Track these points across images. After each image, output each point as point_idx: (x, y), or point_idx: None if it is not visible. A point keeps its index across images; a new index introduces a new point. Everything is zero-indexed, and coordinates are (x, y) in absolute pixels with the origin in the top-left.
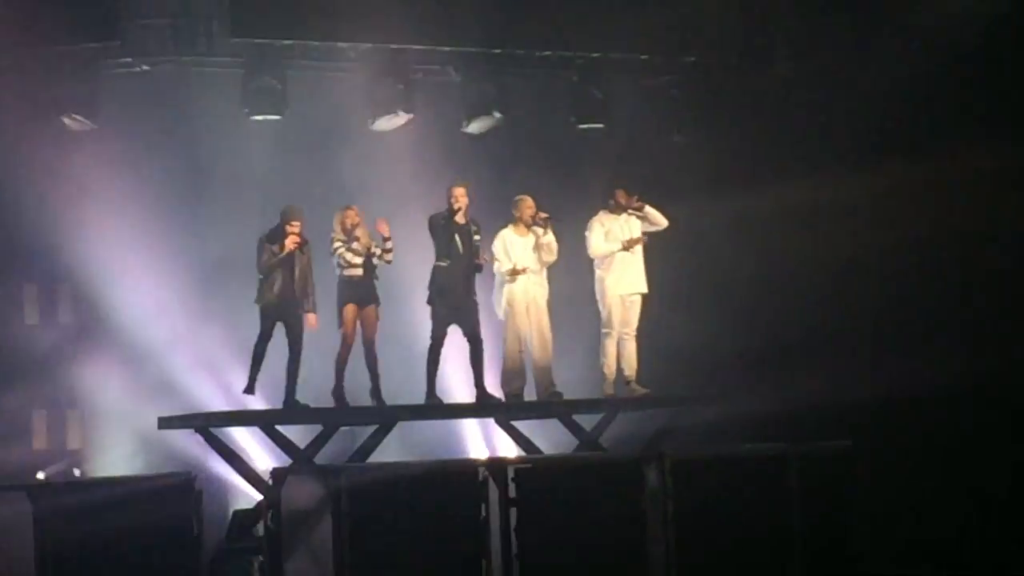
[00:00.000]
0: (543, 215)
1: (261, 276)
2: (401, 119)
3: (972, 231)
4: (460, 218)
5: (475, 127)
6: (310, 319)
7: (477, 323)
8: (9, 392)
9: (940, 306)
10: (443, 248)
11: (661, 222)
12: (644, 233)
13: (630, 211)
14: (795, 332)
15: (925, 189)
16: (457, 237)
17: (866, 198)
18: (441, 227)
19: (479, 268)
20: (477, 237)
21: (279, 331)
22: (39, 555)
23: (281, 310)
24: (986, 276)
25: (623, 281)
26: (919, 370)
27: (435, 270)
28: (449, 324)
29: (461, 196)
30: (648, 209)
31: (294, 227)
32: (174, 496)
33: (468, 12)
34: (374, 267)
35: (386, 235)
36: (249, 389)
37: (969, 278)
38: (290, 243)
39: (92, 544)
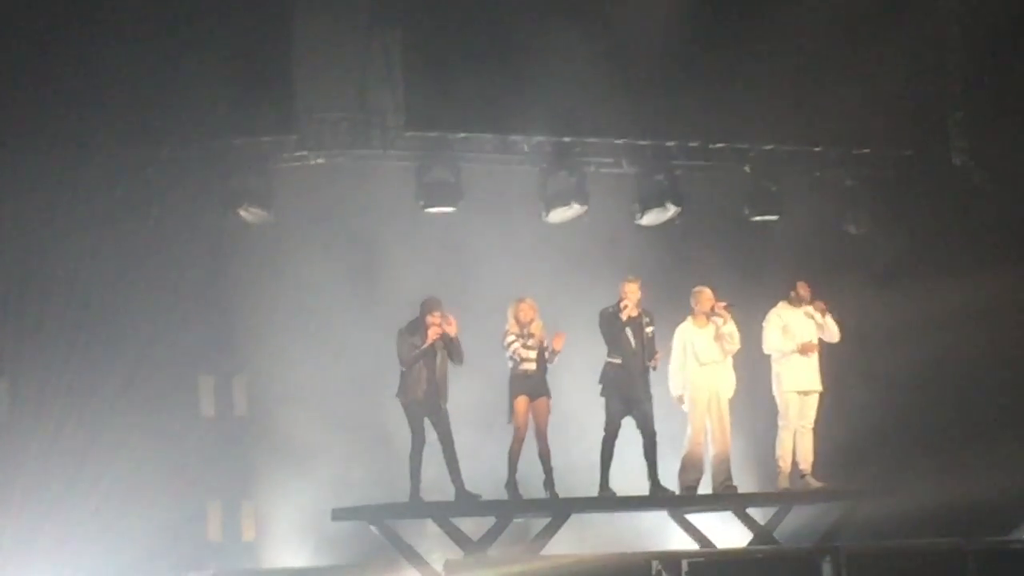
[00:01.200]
0: (722, 304)
1: (403, 369)
2: (575, 211)
3: None
4: (626, 314)
5: (649, 219)
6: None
7: (651, 416)
8: (185, 483)
9: None
10: (613, 344)
11: (834, 336)
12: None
13: (809, 312)
14: (972, 426)
15: None
16: (628, 332)
17: None
18: (609, 323)
19: (653, 367)
20: (650, 329)
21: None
22: None
23: (426, 405)
24: None
25: (799, 378)
26: None
27: (606, 366)
28: (623, 416)
29: (630, 292)
30: (828, 319)
31: (435, 318)
32: None
33: (640, 105)
34: (546, 360)
35: (557, 349)
36: (414, 498)
37: None
38: (433, 334)
39: None
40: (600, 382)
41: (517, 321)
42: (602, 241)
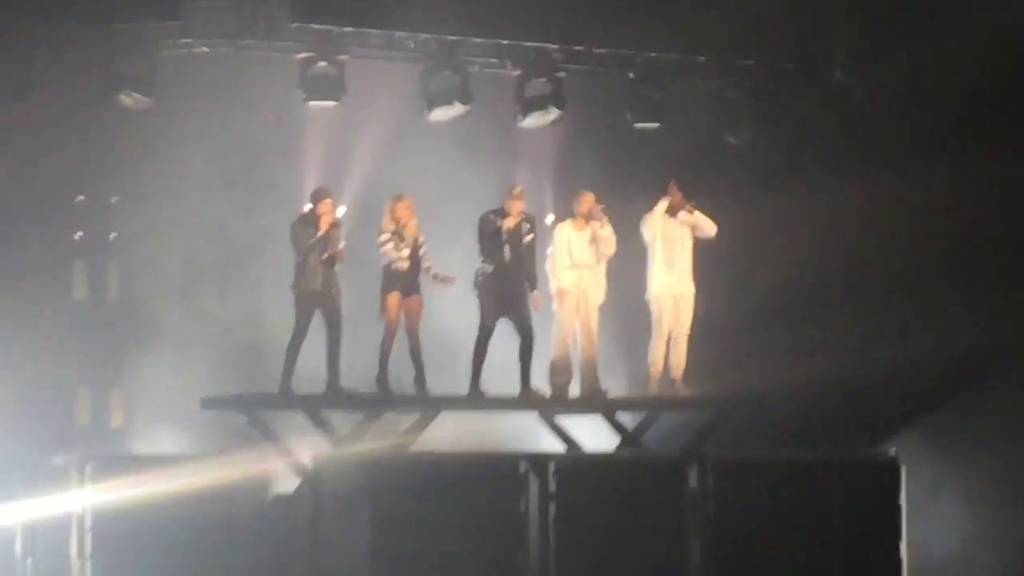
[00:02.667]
0: (601, 207)
1: (298, 260)
2: (457, 110)
3: None
4: (506, 228)
5: (530, 122)
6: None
7: (528, 317)
8: (54, 366)
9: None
10: (489, 253)
11: (710, 229)
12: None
13: (683, 217)
14: (845, 337)
15: (979, 192)
16: (506, 245)
17: (920, 202)
18: (487, 232)
19: (530, 282)
20: (530, 237)
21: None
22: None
23: (321, 296)
24: None
25: (672, 280)
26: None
27: (479, 271)
28: (499, 317)
29: (514, 207)
30: (698, 215)
31: (326, 206)
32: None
33: (526, 6)
34: (420, 258)
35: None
36: (285, 389)
37: None
38: (325, 223)
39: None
40: (474, 286)
41: (393, 219)
42: (484, 142)
